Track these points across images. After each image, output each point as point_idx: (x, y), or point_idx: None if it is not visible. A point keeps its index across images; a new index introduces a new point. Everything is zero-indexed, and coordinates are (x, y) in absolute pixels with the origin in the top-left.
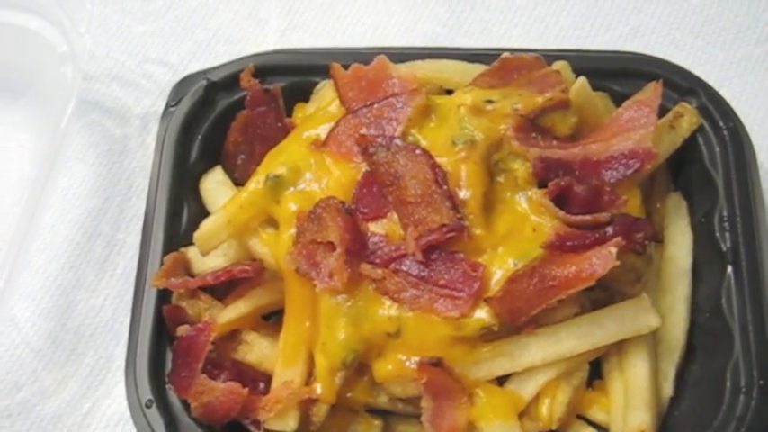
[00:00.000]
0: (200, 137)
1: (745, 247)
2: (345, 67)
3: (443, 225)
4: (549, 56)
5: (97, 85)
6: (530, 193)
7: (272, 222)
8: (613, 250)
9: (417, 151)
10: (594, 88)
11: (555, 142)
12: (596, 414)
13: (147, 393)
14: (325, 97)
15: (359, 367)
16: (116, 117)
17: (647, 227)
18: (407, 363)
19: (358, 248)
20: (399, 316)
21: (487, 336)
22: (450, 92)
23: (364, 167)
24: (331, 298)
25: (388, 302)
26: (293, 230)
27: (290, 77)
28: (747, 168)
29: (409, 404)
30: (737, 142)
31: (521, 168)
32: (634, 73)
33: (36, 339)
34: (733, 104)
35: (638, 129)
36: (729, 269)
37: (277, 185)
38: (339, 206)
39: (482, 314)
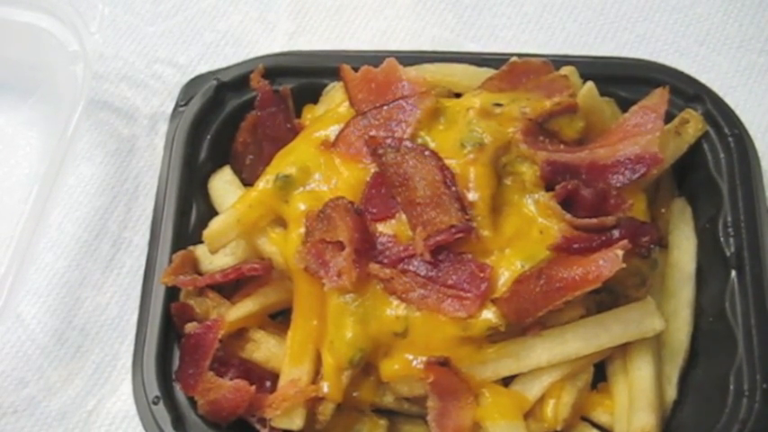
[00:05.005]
0: (209, 137)
1: (748, 252)
2: (355, 69)
3: (452, 226)
4: (557, 61)
5: (106, 84)
6: (537, 195)
7: (281, 222)
8: (620, 253)
9: (426, 153)
10: (601, 94)
11: (562, 146)
12: (600, 416)
13: (154, 390)
14: (335, 99)
15: (365, 367)
16: (124, 117)
17: (653, 231)
18: (414, 362)
19: (366, 248)
20: (407, 316)
21: (494, 336)
22: (458, 95)
23: (373, 168)
24: (339, 297)
25: (395, 302)
26: (302, 230)
27: (300, 79)
28: (752, 174)
29: (415, 404)
30: (742, 149)
31: (528, 171)
32: (640, 79)
33: (42, 336)
34: (737, 112)
35: (644, 134)
36: (733, 274)
37: (286, 185)
38: (348, 206)
39: (489, 315)
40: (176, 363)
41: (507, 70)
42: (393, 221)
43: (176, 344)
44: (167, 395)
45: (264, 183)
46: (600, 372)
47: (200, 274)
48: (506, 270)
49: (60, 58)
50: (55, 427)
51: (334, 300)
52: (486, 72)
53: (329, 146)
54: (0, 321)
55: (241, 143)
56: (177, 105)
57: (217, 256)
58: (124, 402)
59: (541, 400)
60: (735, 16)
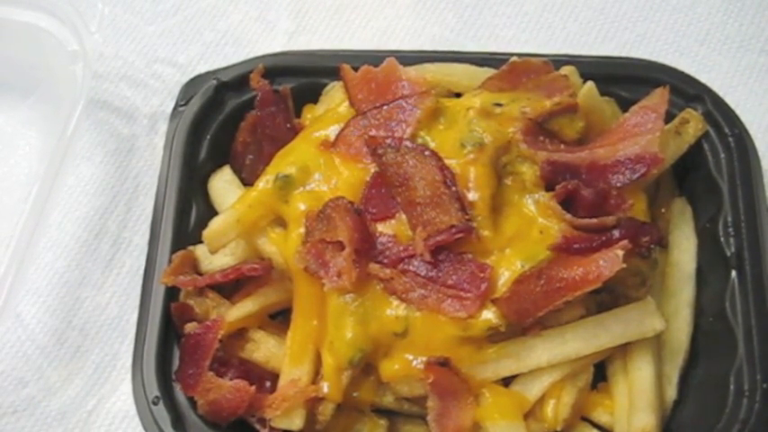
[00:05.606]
0: (209, 136)
1: (749, 252)
2: (355, 68)
3: (452, 226)
4: (557, 61)
5: (105, 84)
6: (537, 195)
7: (281, 222)
8: (620, 253)
9: (426, 153)
10: (601, 93)
11: (562, 146)
12: (600, 416)
13: (153, 390)
14: (335, 98)
15: (365, 367)
16: (124, 116)
17: (653, 231)
18: (414, 362)
19: (366, 248)
20: (407, 316)
21: (494, 337)
22: (458, 95)
23: (373, 168)
24: (339, 297)
25: (395, 302)
26: (302, 230)
27: (300, 79)
28: (752, 174)
29: (415, 404)
30: (742, 148)
31: (528, 171)
32: (640, 79)
33: (42, 336)
34: (737, 112)
35: (644, 134)
36: (733, 274)
37: (286, 185)
38: (348, 206)
39: (489, 315)
40: (176, 363)
41: (507, 70)
42: (393, 221)
43: (176, 344)
44: (167, 395)
45: (264, 183)
46: (600, 372)
47: (199, 274)
48: (506, 270)
49: (60, 58)
50: (55, 427)
51: (334, 300)
52: (486, 72)
53: (329, 146)
54: (0, 321)
55: (241, 143)
56: (177, 105)
57: (217, 256)
58: (124, 402)
59: (541, 400)
60: (735, 16)
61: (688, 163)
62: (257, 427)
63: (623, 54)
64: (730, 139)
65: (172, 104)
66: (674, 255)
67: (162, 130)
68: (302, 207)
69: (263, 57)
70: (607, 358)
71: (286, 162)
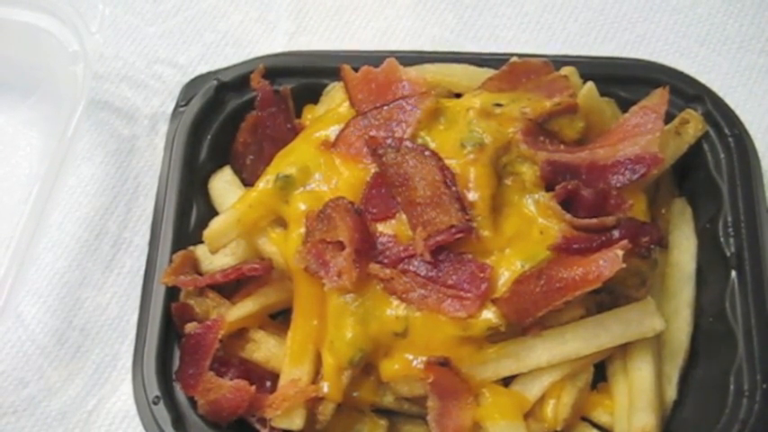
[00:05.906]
0: (209, 137)
1: (749, 252)
2: (355, 69)
3: (452, 226)
4: (557, 61)
5: (106, 84)
6: (537, 195)
7: (281, 222)
8: (620, 253)
9: (426, 153)
10: (601, 94)
11: (562, 146)
12: (600, 416)
13: (154, 390)
14: (335, 99)
15: (365, 367)
16: (124, 117)
17: (653, 231)
18: (414, 362)
19: (367, 248)
20: (407, 316)
21: (494, 337)
22: (459, 95)
23: (373, 168)
24: (339, 297)
25: (395, 302)
26: (302, 230)
27: (300, 79)
28: (752, 174)
29: (415, 404)
30: (742, 149)
31: (528, 171)
32: (640, 79)
33: (42, 336)
34: (737, 112)
35: (644, 134)
36: (733, 274)
37: (286, 185)
38: (348, 206)
39: (489, 315)
40: (176, 363)
41: (507, 70)
42: (393, 221)
43: (176, 344)
44: (167, 395)
45: (265, 183)
46: (600, 372)
47: (200, 274)
48: (506, 270)
49: (60, 58)
50: (55, 427)
51: (335, 300)
52: (486, 72)
53: (329, 146)
54: (0, 321)
55: (241, 143)
56: (177, 105)
57: (217, 256)
58: (124, 402)
59: (541, 400)
60: (735, 17)
61: (688, 163)
62: (257, 426)
63: (623, 54)
64: (730, 139)
65: (172, 105)
66: (673, 255)
67: (162, 131)
68: (302, 207)
69: (264, 57)
70: (607, 358)
71: (286, 162)
